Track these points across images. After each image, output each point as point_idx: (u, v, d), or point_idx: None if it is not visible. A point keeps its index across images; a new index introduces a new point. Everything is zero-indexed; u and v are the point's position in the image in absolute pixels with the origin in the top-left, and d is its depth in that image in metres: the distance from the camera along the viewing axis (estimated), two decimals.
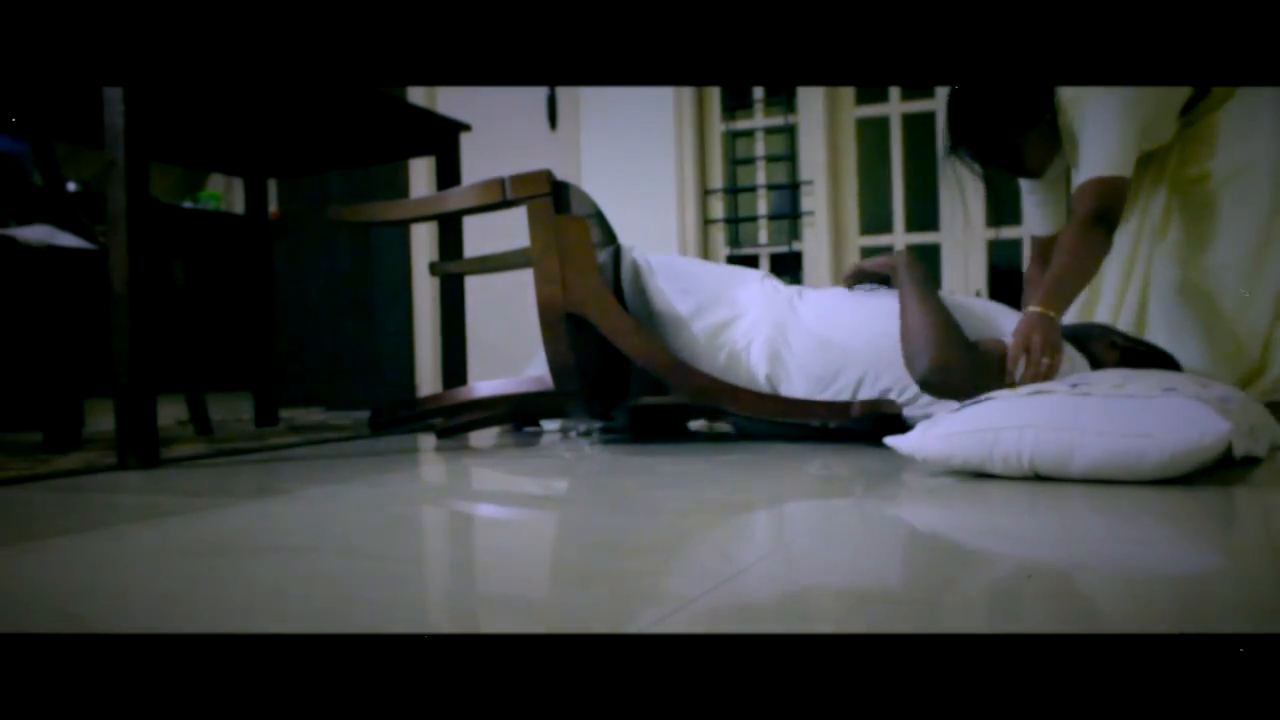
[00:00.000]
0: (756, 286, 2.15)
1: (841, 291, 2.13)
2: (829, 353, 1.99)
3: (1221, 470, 1.38)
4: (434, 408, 2.25)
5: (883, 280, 2.08)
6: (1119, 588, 0.82)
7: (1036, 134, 2.08)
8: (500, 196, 2.03)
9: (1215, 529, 1.10)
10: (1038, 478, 1.36)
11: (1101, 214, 1.90)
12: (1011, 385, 1.73)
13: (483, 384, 2.22)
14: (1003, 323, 1.93)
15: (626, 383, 2.19)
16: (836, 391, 1.98)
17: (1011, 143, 2.09)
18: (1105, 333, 1.94)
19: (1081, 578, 0.86)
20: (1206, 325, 2.15)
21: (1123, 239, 2.23)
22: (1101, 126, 1.94)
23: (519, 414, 2.47)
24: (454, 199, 2.13)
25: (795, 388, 2.02)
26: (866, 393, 1.96)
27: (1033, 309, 1.80)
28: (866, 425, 1.94)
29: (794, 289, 2.17)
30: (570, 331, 2.00)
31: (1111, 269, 2.28)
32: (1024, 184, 2.34)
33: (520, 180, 2.02)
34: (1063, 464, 1.32)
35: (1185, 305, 2.18)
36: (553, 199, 2.01)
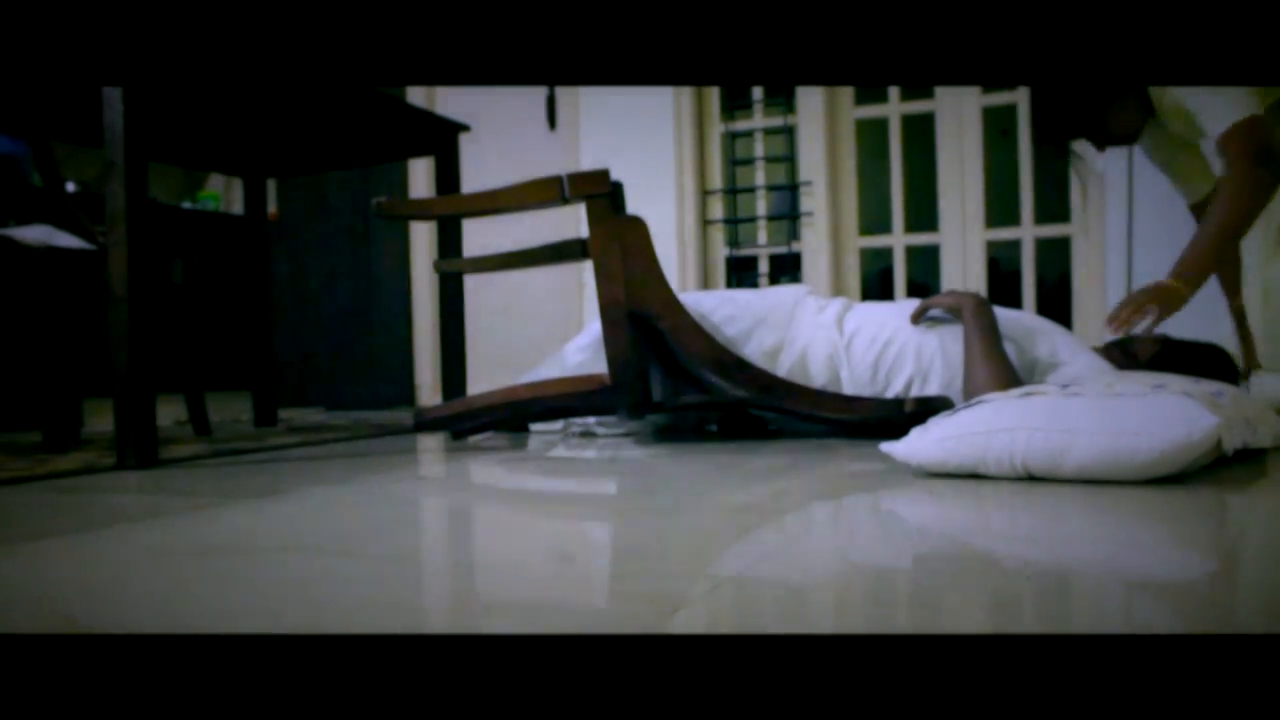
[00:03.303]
0: (806, 317, 2.22)
1: (889, 305, 2.23)
2: (885, 356, 2.11)
3: (1217, 469, 1.38)
4: (484, 406, 2.24)
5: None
6: (1114, 589, 0.82)
7: (1120, 104, 2.06)
8: (558, 195, 2.05)
9: (1209, 529, 1.10)
10: (1031, 479, 1.36)
11: (1262, 153, 1.84)
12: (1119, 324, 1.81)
13: (528, 381, 2.21)
14: (1056, 341, 2.03)
15: (648, 385, 2.20)
16: (891, 394, 2.11)
17: (1099, 116, 2.07)
18: (1150, 335, 1.98)
19: (1078, 578, 0.86)
20: None
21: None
22: None
23: (523, 415, 2.46)
24: (509, 196, 2.13)
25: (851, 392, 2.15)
26: (916, 392, 2.08)
27: (1165, 281, 1.79)
28: (918, 420, 1.97)
29: (839, 304, 2.26)
30: (631, 330, 2.03)
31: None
32: (1150, 156, 2.30)
33: (579, 179, 2.04)
34: (1055, 464, 1.32)
35: None
36: (610, 199, 2.04)
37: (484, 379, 3.14)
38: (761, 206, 3.99)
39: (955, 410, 1.49)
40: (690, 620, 0.72)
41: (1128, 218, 3.28)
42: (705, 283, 4.02)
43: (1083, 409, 1.34)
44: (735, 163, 4.00)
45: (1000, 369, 1.90)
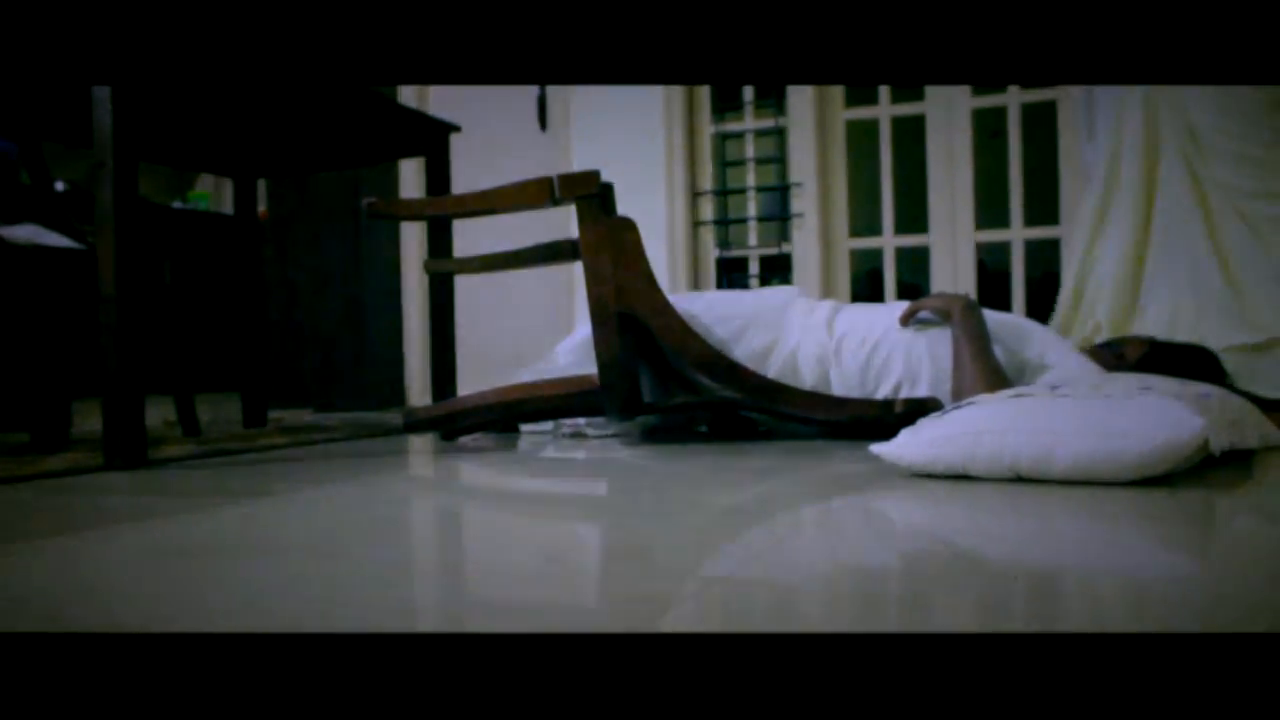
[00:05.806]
0: (796, 319, 2.22)
1: (878, 307, 2.24)
2: (874, 357, 2.11)
3: (1204, 470, 1.39)
4: (474, 407, 2.23)
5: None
6: (1100, 589, 0.82)
7: None
8: (548, 196, 2.06)
9: (1195, 530, 1.10)
10: (1020, 480, 1.37)
11: None
12: None
13: (518, 382, 2.20)
14: (1045, 343, 2.04)
15: (638, 386, 2.20)
16: (880, 395, 2.11)
17: None
18: (1138, 337, 2.00)
19: (1065, 578, 0.86)
20: None
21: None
22: None
23: (513, 416, 2.46)
24: (500, 197, 2.13)
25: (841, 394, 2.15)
26: (906, 394, 2.09)
27: None
28: (907, 421, 1.98)
29: (829, 306, 2.25)
30: (620, 331, 2.02)
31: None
32: None
33: (569, 180, 2.04)
34: (1043, 465, 1.33)
35: None
36: (600, 200, 2.04)
37: (474, 380, 3.14)
38: (752, 208, 4.00)
39: (945, 412, 1.50)
40: (680, 620, 0.72)
41: None
42: (696, 284, 4.02)
43: (1071, 411, 1.35)
44: (726, 164, 4.01)
45: (989, 371, 1.91)
